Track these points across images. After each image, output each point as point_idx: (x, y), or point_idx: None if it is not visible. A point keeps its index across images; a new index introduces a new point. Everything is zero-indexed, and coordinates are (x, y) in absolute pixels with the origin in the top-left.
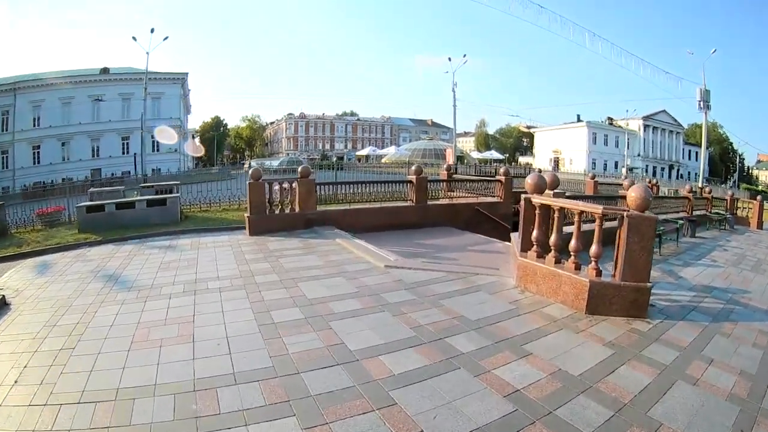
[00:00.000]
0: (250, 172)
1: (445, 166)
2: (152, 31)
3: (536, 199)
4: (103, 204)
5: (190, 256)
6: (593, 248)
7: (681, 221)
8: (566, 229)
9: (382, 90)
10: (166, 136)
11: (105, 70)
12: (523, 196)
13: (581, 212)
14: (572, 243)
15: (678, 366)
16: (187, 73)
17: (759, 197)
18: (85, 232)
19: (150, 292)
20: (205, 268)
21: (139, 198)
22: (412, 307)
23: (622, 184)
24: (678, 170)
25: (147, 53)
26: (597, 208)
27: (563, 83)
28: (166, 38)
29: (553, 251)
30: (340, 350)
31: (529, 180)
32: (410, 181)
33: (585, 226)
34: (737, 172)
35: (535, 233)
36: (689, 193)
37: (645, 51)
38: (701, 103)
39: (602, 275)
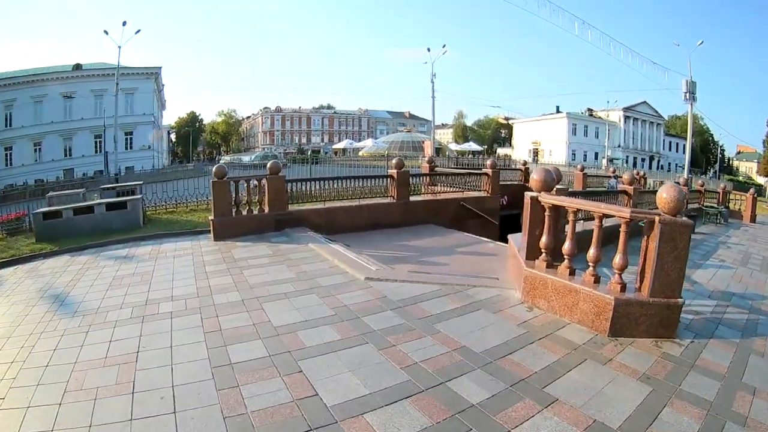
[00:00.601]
0: (213, 169)
1: (426, 158)
2: (124, 24)
3: (546, 199)
4: (60, 210)
5: (145, 269)
6: (617, 259)
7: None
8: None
9: (360, 83)
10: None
11: (77, 66)
12: (528, 194)
13: (602, 216)
14: (591, 252)
15: (723, 402)
16: (160, 67)
17: (752, 190)
18: (42, 242)
19: (94, 319)
20: (160, 284)
21: (98, 202)
22: (401, 336)
23: (612, 176)
24: (659, 161)
25: (119, 47)
26: (624, 212)
27: (544, 75)
28: (138, 31)
29: (566, 261)
30: (314, 407)
31: (536, 176)
32: (391, 176)
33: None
34: (718, 163)
35: (545, 239)
36: (685, 186)
37: (631, 42)
38: (687, 94)
39: (626, 290)
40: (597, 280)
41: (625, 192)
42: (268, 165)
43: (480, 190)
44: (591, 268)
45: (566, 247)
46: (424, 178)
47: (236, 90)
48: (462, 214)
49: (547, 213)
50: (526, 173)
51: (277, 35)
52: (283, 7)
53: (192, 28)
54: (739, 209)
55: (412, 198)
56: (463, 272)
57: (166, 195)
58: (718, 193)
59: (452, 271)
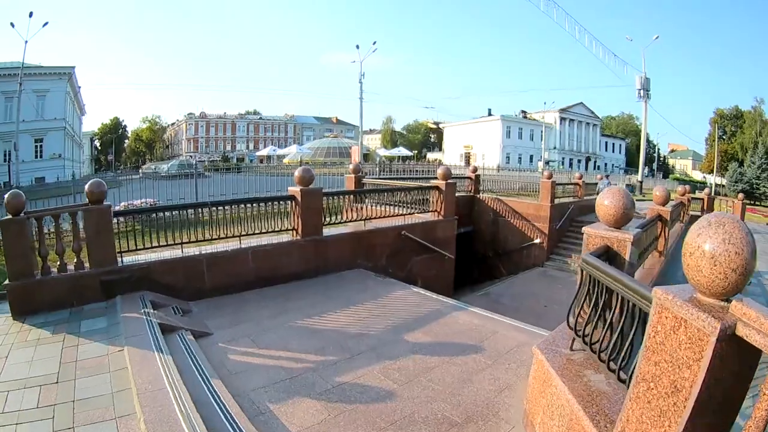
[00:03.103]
0: (5, 198)
1: (351, 166)
2: (30, 15)
3: None
4: None
5: None
6: None
7: None
8: None
9: (288, 89)
10: None
11: None
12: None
13: None
14: None
15: None
16: (73, 67)
17: (740, 195)
18: None
19: None
20: None
21: None
22: None
23: (603, 179)
24: (595, 162)
25: (25, 42)
26: None
27: (477, 79)
28: (46, 24)
29: None
30: None
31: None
32: (292, 197)
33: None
34: (655, 162)
35: None
36: (683, 196)
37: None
38: (641, 91)
39: None
40: None
41: (659, 218)
42: (86, 187)
43: (429, 212)
44: None
45: None
46: (346, 198)
47: (162, 93)
48: (404, 248)
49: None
50: (476, 182)
51: (208, 41)
52: (217, 18)
53: (117, 28)
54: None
55: (329, 231)
56: (435, 417)
57: None
58: (702, 200)
59: (403, 407)
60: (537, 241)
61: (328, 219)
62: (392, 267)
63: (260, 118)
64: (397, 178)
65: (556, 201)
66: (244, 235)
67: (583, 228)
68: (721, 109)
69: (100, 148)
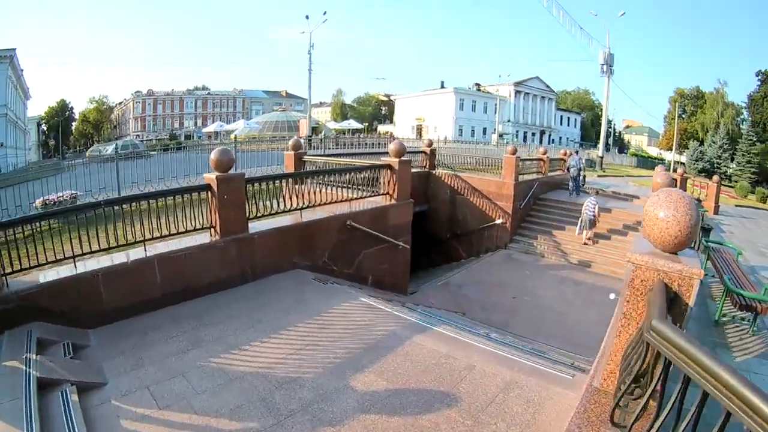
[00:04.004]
0: None
1: (290, 142)
2: None
3: None
4: None
5: None
6: None
7: None
8: None
9: (237, 62)
10: None
11: None
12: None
13: None
14: None
15: None
16: (14, 49)
17: (715, 177)
18: None
19: None
20: None
21: None
22: None
23: (572, 155)
24: (550, 136)
25: None
26: None
27: (431, 50)
28: None
29: None
30: None
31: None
32: (208, 187)
33: None
34: (611, 137)
35: None
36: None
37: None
38: (604, 66)
39: None
40: None
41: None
42: None
43: (380, 194)
44: None
45: None
46: (286, 181)
47: (109, 72)
48: (351, 240)
49: None
50: (432, 157)
51: (156, 11)
52: None
53: (58, 6)
54: (699, 199)
55: (258, 225)
56: None
57: None
58: (675, 180)
59: None
60: (499, 221)
61: (255, 211)
62: (337, 264)
63: (208, 94)
64: (345, 154)
65: (520, 178)
66: (149, 240)
67: (629, 254)
68: (682, 88)
69: (47, 132)
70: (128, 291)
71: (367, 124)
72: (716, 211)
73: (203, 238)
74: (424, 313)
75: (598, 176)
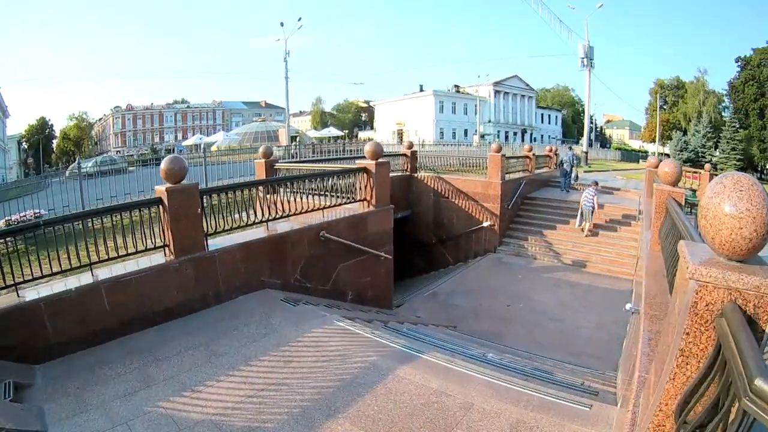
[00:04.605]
0: None
1: (261, 149)
2: None
3: None
4: None
5: None
6: None
7: None
8: None
9: (220, 74)
10: None
11: None
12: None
13: None
14: None
15: None
16: None
17: (707, 166)
18: None
19: None
20: None
21: None
22: None
23: (566, 152)
24: (531, 134)
25: None
26: None
27: (410, 54)
28: None
29: None
30: None
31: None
32: (159, 200)
33: None
34: (593, 132)
35: None
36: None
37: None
38: (584, 60)
39: None
40: None
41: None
42: None
43: (357, 200)
44: None
45: None
46: (255, 191)
47: (89, 88)
48: (326, 253)
49: None
50: (413, 159)
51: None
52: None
53: (34, 23)
54: (693, 189)
55: (221, 240)
56: None
57: None
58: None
59: None
60: (487, 223)
61: (215, 225)
62: (311, 280)
63: (188, 107)
64: (323, 159)
65: (507, 177)
66: (97, 264)
67: (688, 267)
68: (662, 79)
69: (28, 150)
70: (75, 321)
71: (347, 131)
72: None
73: (159, 258)
74: (410, 334)
75: (585, 171)
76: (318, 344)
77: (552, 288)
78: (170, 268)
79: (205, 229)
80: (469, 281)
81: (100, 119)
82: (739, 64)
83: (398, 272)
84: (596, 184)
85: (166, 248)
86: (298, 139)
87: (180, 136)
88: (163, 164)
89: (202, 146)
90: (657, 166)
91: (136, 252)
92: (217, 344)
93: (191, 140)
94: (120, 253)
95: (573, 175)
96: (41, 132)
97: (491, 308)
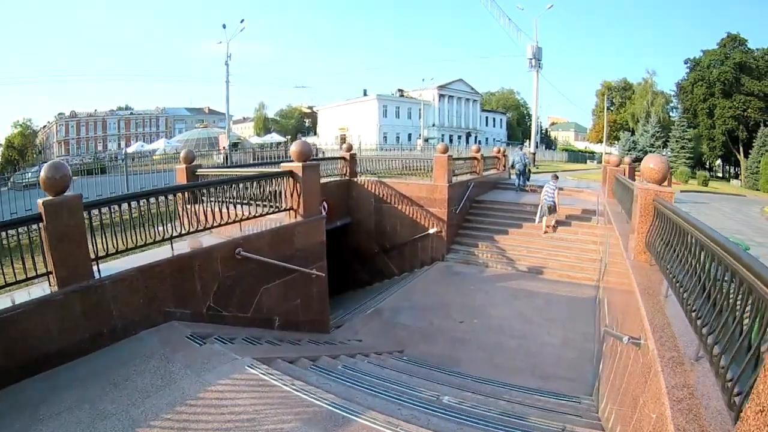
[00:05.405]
0: None
1: (183, 153)
2: None
3: None
4: None
5: None
6: None
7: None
8: None
9: (163, 80)
10: None
11: None
12: None
13: None
14: None
15: None
16: None
17: (626, 159)
18: None
19: None
20: None
21: None
22: None
23: (498, 157)
24: (476, 137)
25: None
26: None
27: (353, 60)
28: None
29: None
30: None
31: None
32: (39, 217)
33: None
34: (538, 134)
35: None
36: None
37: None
38: (533, 60)
39: None
40: None
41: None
42: None
43: (282, 210)
44: None
45: None
46: (177, 196)
47: (34, 94)
48: (245, 274)
49: None
50: (352, 163)
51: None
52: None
53: None
54: None
55: (112, 265)
56: None
57: None
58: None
59: None
60: (433, 230)
61: (106, 247)
62: (228, 307)
63: (131, 113)
64: (254, 164)
65: (454, 180)
66: None
67: None
68: (609, 81)
69: None
70: None
71: (290, 136)
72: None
73: (39, 291)
74: (344, 378)
75: (534, 173)
76: (222, 403)
77: (509, 299)
78: (54, 301)
79: (95, 251)
80: (417, 294)
81: (44, 127)
82: (689, 65)
83: (338, 286)
84: (556, 177)
85: (49, 276)
86: (239, 146)
87: (123, 144)
88: (42, 172)
89: (144, 153)
90: (618, 165)
91: (17, 282)
92: (105, 401)
93: (132, 148)
94: None
95: (527, 174)
96: None
97: (443, 327)
